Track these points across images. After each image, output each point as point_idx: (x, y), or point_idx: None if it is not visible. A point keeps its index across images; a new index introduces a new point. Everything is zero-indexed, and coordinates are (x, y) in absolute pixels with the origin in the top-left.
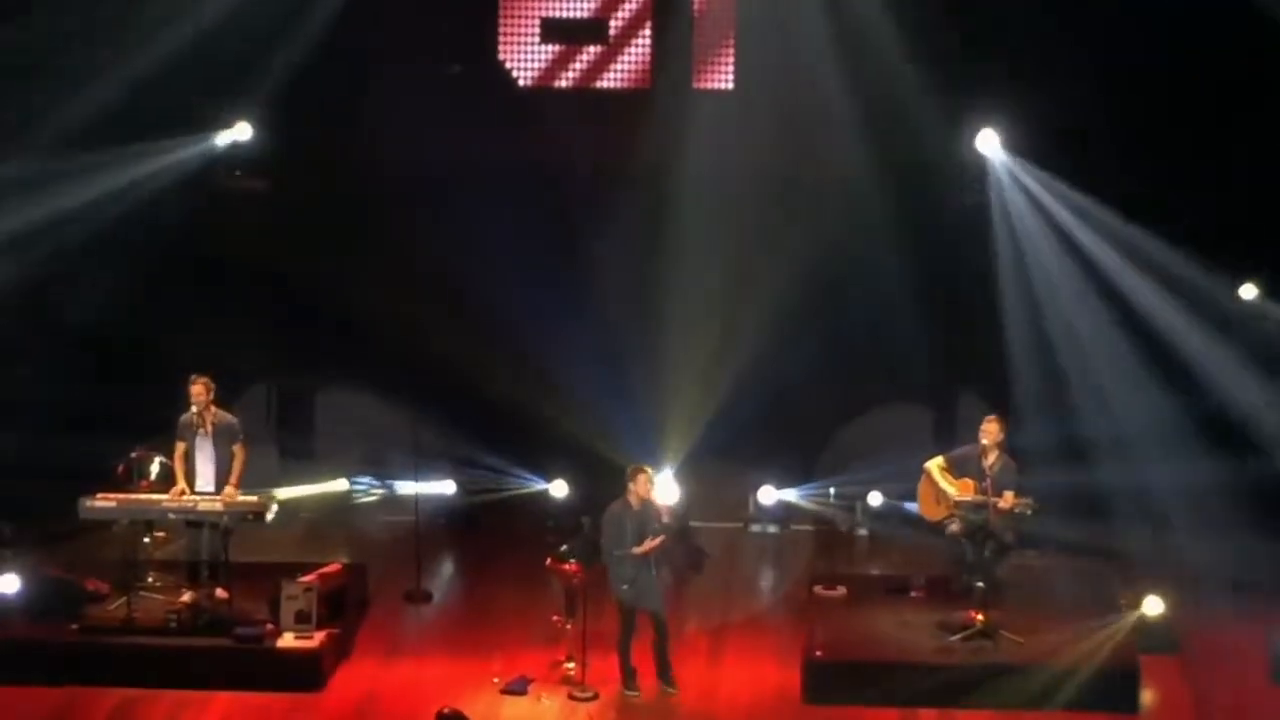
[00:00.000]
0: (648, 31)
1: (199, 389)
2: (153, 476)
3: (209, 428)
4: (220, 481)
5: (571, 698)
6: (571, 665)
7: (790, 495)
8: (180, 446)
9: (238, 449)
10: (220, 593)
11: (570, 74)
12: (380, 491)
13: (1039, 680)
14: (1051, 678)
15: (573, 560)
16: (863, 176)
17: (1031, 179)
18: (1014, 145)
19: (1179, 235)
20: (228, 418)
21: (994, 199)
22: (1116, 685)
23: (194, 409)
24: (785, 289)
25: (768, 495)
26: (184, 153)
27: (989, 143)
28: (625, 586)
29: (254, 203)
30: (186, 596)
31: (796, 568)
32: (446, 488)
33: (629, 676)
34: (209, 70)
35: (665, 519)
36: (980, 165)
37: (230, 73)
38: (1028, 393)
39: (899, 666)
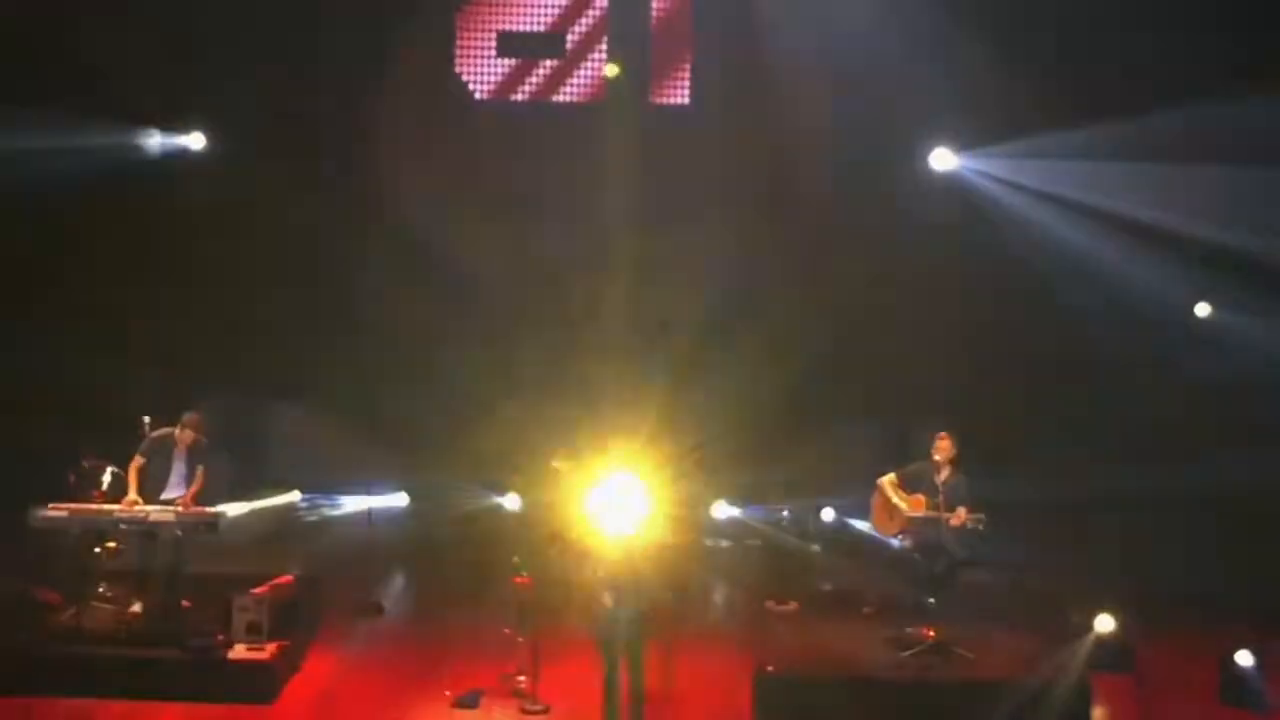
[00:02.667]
0: (604, 46)
1: (191, 429)
2: (104, 486)
3: (184, 449)
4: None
5: (523, 711)
6: (523, 678)
7: (743, 511)
8: (139, 460)
9: (200, 471)
10: (184, 603)
11: (527, 88)
12: (332, 504)
13: (991, 697)
14: (1003, 694)
15: (524, 573)
16: (819, 191)
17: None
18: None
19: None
20: (201, 440)
21: (958, 210)
22: (1068, 702)
23: (175, 429)
24: (741, 307)
25: (721, 510)
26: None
27: (944, 159)
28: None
29: (200, 213)
30: (137, 607)
31: (749, 583)
32: (399, 500)
33: None
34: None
35: None
36: (942, 180)
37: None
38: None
39: (850, 682)
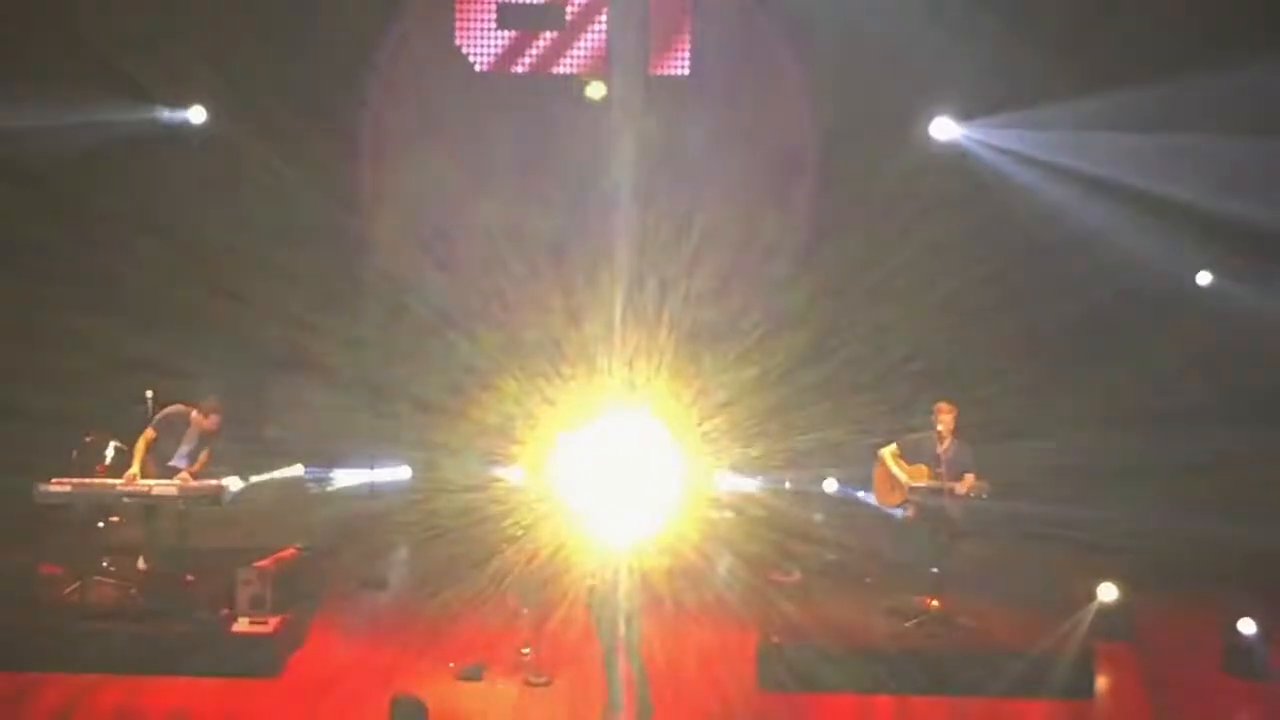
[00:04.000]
0: (604, 17)
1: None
2: (108, 460)
3: (197, 432)
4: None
5: (527, 683)
6: (527, 651)
7: (746, 481)
8: (150, 433)
9: (208, 453)
10: (188, 577)
11: (527, 59)
12: (335, 477)
13: (993, 666)
14: (1006, 664)
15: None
16: (818, 161)
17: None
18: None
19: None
20: (218, 426)
21: (963, 178)
22: (1071, 671)
23: (191, 409)
24: (742, 276)
25: (724, 481)
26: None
27: (946, 129)
28: None
29: (202, 186)
30: (141, 581)
31: (752, 554)
32: (402, 473)
33: None
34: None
35: None
36: (942, 149)
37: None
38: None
39: (854, 652)
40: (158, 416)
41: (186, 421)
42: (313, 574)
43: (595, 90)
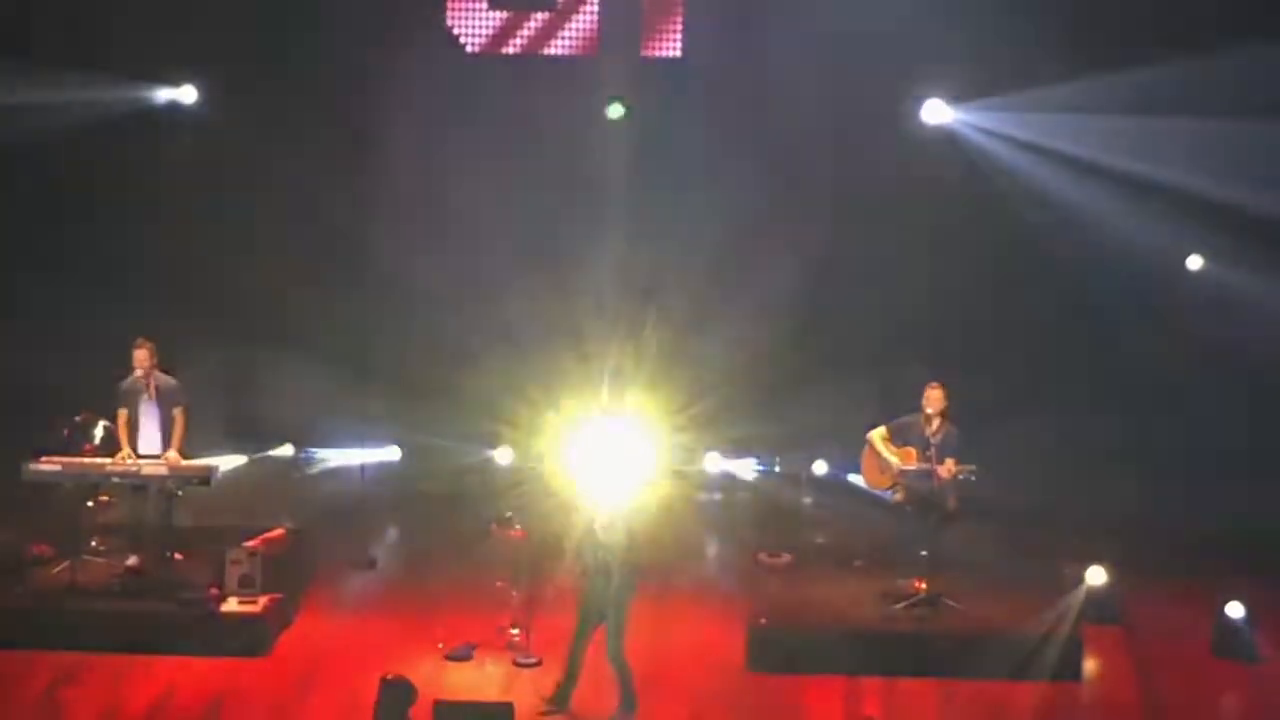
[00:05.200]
0: None
1: (143, 353)
2: (97, 440)
3: (153, 392)
4: (166, 445)
5: (516, 664)
6: (516, 631)
7: (736, 463)
8: (124, 413)
9: (179, 413)
10: (176, 555)
11: (518, 40)
12: (325, 458)
13: (982, 649)
14: (995, 646)
15: (517, 526)
16: (808, 143)
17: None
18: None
19: None
20: (170, 381)
21: (954, 160)
22: (1060, 654)
23: (137, 372)
24: (733, 259)
25: (714, 463)
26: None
27: (937, 111)
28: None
29: (192, 166)
30: (130, 561)
31: (741, 536)
32: (391, 454)
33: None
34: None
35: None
36: (934, 132)
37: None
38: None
39: (842, 634)
40: (120, 394)
41: (141, 386)
42: (302, 554)
43: (615, 111)
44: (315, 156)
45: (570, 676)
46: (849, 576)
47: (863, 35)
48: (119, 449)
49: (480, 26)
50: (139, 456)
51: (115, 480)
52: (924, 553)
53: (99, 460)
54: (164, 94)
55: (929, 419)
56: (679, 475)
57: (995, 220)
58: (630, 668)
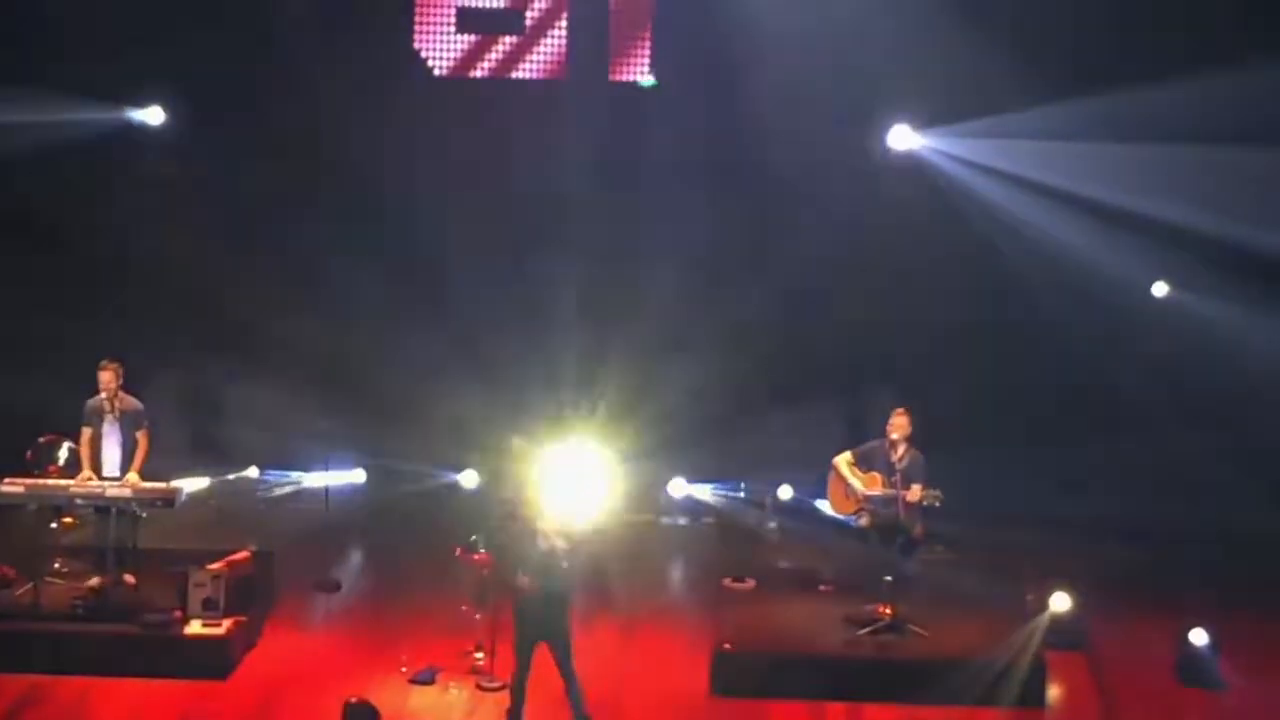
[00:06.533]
0: (564, 22)
1: (108, 375)
2: (61, 462)
3: (116, 413)
4: (126, 467)
5: (480, 688)
6: (480, 655)
7: (701, 489)
8: (87, 432)
9: (141, 435)
10: (128, 579)
11: (486, 64)
12: (290, 481)
13: (946, 675)
14: (959, 672)
15: (482, 550)
16: (777, 169)
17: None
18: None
19: None
20: (134, 403)
21: (921, 186)
22: (1023, 680)
23: (102, 395)
24: (699, 284)
25: (678, 488)
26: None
27: (904, 137)
28: None
29: (159, 187)
30: (93, 582)
31: (706, 560)
32: (356, 477)
33: None
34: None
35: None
36: (901, 158)
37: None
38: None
39: (807, 659)
40: (85, 414)
41: (102, 405)
42: (266, 577)
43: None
44: (282, 178)
45: (516, 702)
46: (814, 602)
47: (830, 61)
48: (82, 470)
49: (448, 50)
50: (101, 478)
51: (79, 502)
52: (889, 578)
53: (63, 482)
54: (131, 115)
55: (894, 444)
56: (644, 500)
57: (961, 246)
58: (582, 687)
